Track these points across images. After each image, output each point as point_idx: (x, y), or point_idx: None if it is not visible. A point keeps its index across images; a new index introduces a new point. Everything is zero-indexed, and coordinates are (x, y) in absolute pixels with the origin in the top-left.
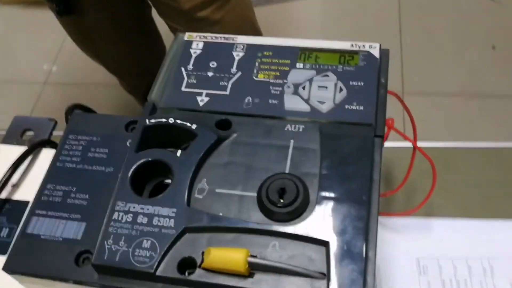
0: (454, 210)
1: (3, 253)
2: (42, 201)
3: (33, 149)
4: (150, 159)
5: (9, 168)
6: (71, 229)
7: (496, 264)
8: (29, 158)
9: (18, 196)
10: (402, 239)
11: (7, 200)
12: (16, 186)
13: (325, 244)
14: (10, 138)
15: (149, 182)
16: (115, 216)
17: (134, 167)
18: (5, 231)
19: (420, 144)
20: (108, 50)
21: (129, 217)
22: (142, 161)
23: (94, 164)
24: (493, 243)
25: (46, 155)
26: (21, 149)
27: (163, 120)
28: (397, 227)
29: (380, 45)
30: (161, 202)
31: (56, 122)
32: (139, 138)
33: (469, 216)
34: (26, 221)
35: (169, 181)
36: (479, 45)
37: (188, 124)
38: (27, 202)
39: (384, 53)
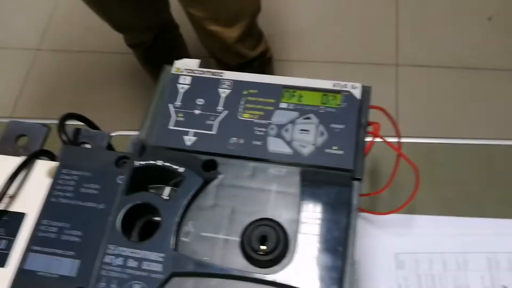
0: (436, 207)
1: (1, 265)
2: (38, 237)
3: (30, 160)
4: (139, 203)
5: (7, 181)
6: (67, 266)
7: (470, 259)
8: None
9: (15, 207)
10: (383, 234)
11: (4, 212)
12: (12, 197)
13: None
14: (5, 143)
15: (139, 219)
16: (107, 259)
17: (123, 210)
18: (3, 243)
19: (405, 140)
20: (113, 7)
21: (120, 261)
22: (131, 204)
23: (86, 200)
24: (468, 239)
25: (41, 166)
26: (17, 160)
27: (152, 162)
28: (379, 222)
29: (361, 85)
30: (150, 247)
31: (49, 128)
32: (129, 180)
33: (450, 213)
34: (24, 258)
35: (158, 218)
36: (475, 16)
37: (176, 167)
38: (24, 214)
39: (366, 91)
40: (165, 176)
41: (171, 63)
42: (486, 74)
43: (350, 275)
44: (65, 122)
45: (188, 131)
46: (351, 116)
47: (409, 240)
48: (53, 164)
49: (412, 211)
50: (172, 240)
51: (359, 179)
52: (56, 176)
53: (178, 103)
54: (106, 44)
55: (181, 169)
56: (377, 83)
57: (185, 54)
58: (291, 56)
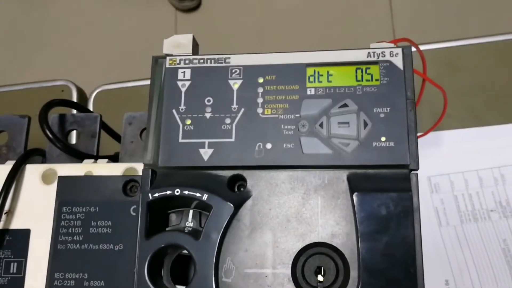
0: (462, 118)
1: None
2: None
3: (20, 166)
4: (164, 246)
5: (1, 196)
6: None
7: (506, 172)
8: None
9: (16, 224)
10: None
11: (5, 231)
12: (8, 213)
13: None
14: None
15: (167, 256)
16: None
17: (148, 258)
18: (14, 266)
19: (423, 47)
20: None
21: None
22: (155, 250)
23: (100, 242)
24: (502, 149)
25: (33, 170)
26: (4, 168)
27: (168, 192)
28: None
29: (402, 49)
30: None
31: (29, 118)
32: (145, 218)
33: (476, 122)
34: None
35: (186, 252)
36: None
37: (198, 194)
38: (28, 231)
39: (407, 55)
40: (185, 201)
41: None
42: None
43: None
44: (47, 114)
45: (202, 142)
46: (397, 95)
47: (440, 161)
48: (46, 167)
49: (438, 127)
50: (212, 285)
51: (416, 170)
52: (57, 217)
53: (182, 107)
54: None
55: (204, 196)
56: None
57: None
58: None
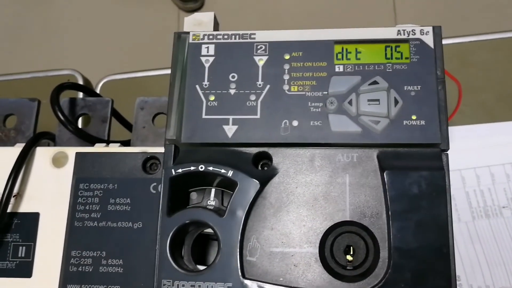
0: (474, 114)
1: (27, 275)
2: (71, 273)
3: (30, 148)
4: (187, 222)
5: (11, 178)
6: None
7: None
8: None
9: (25, 208)
10: None
11: (14, 214)
12: (17, 196)
13: None
14: None
15: (188, 235)
16: None
17: (171, 235)
18: (22, 250)
19: None
20: None
21: None
22: (177, 226)
23: (118, 220)
24: None
25: (43, 153)
26: (13, 150)
27: (192, 168)
28: None
29: (433, 28)
30: (213, 276)
31: (39, 101)
32: (168, 196)
33: (488, 118)
34: None
35: (209, 230)
36: None
37: (223, 171)
38: (38, 214)
39: (437, 34)
40: (208, 178)
41: None
42: None
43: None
44: (59, 96)
45: (227, 119)
46: (428, 73)
47: (451, 157)
48: (57, 149)
49: (449, 122)
50: (237, 264)
51: (446, 150)
52: (74, 194)
53: (205, 82)
54: None
55: (229, 172)
56: None
57: None
58: None
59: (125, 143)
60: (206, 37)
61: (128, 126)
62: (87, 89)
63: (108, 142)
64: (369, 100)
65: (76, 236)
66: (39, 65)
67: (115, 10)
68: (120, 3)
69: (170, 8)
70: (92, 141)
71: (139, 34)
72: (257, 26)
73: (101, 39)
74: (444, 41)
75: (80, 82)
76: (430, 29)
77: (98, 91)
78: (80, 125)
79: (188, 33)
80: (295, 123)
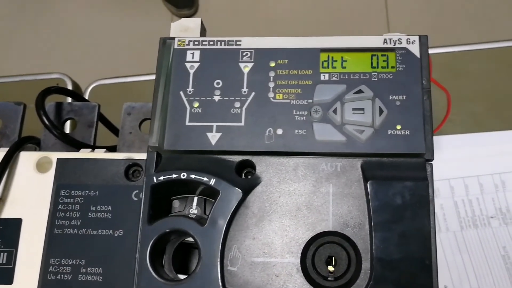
0: (463, 124)
1: (8, 282)
2: (50, 281)
3: (14, 153)
4: (168, 231)
5: None
6: None
7: (507, 179)
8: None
9: (7, 213)
10: None
11: None
12: (0, 200)
13: None
14: None
15: (169, 243)
16: None
17: (151, 243)
18: (3, 257)
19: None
20: None
21: None
22: (158, 235)
23: (99, 228)
24: (503, 157)
25: (27, 158)
26: None
27: (174, 176)
28: None
29: (419, 37)
30: (193, 286)
31: (25, 105)
32: (148, 204)
33: (480, 129)
34: None
35: (190, 239)
36: None
37: (206, 179)
38: (20, 220)
39: (424, 43)
40: (190, 186)
41: None
42: None
43: None
44: (44, 100)
45: (210, 126)
46: (413, 82)
47: (440, 166)
48: (41, 154)
49: (439, 132)
50: (217, 274)
51: (430, 160)
52: (54, 201)
53: (190, 89)
54: None
55: (211, 181)
56: None
57: None
58: None
59: (111, 149)
60: (191, 43)
61: (115, 131)
62: (74, 93)
63: (94, 147)
64: (353, 109)
65: (55, 244)
66: (29, 68)
67: (109, 16)
68: (115, 9)
69: (163, 14)
70: (77, 146)
71: (132, 39)
72: (250, 34)
73: (93, 44)
74: (435, 50)
75: (69, 86)
76: (416, 38)
77: (87, 95)
78: (67, 130)
79: (173, 38)
80: (279, 131)
